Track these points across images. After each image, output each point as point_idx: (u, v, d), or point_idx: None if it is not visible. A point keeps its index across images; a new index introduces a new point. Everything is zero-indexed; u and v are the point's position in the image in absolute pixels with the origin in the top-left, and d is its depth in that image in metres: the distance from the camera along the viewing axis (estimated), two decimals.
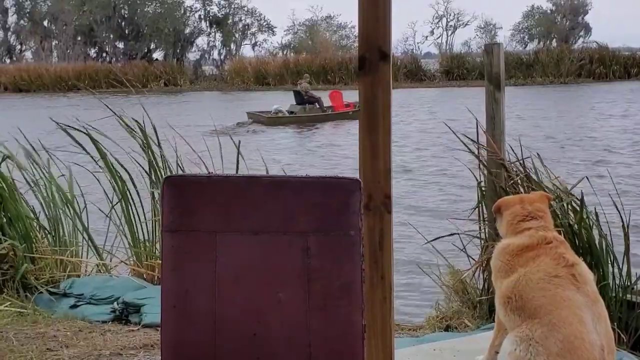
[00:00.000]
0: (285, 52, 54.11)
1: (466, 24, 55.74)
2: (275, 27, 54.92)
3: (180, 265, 1.87)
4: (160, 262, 1.91)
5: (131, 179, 5.63)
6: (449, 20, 54.91)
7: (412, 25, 66.12)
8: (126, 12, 50.61)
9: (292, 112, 23.66)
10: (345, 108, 23.48)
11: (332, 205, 1.84)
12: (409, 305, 6.05)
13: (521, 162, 4.92)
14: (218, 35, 51.62)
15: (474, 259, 5.04)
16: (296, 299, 1.82)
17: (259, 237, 1.86)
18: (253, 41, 53.41)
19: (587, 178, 4.90)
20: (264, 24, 53.92)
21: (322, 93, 25.54)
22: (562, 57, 41.36)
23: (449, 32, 54.74)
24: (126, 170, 5.64)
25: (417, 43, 56.08)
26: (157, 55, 51.28)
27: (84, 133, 5.65)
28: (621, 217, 4.55)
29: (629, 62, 41.88)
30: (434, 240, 5.14)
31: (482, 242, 5.03)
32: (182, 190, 1.90)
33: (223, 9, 52.21)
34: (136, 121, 5.65)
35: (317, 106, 23.74)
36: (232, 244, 1.86)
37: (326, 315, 1.81)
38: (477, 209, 5.13)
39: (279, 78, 44.98)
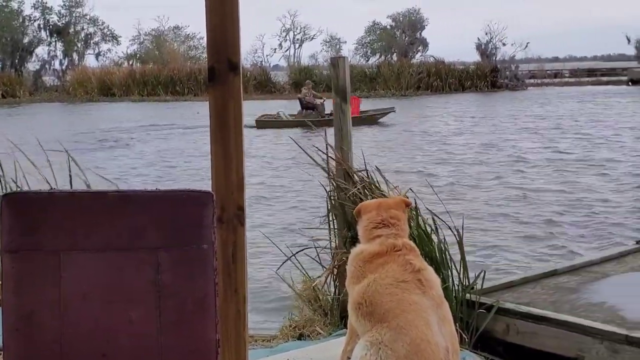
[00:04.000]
0: (131, 62, 52.74)
1: (312, 38, 57.10)
2: (120, 37, 53.29)
3: (22, 286, 1.76)
4: (1, 283, 1.79)
5: None
6: (296, 33, 55.99)
7: (260, 38, 66.49)
8: None
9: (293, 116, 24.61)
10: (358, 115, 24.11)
11: (184, 219, 1.81)
12: (263, 316, 6.06)
13: (365, 171, 5.09)
14: (59, 45, 49.51)
15: (326, 267, 5.14)
16: (148, 317, 1.77)
17: (106, 255, 1.79)
18: (96, 51, 51.72)
19: (412, 189, 5.14)
20: (108, 33, 52.36)
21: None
22: (402, 71, 43.31)
23: (297, 45, 55.80)
24: None
25: (266, 55, 56.65)
26: None
27: None
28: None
29: (463, 75, 44.51)
30: (293, 255, 5.22)
31: (332, 250, 5.15)
32: (22, 208, 1.79)
33: (64, 17, 50.14)
34: None
35: (316, 111, 24.48)
36: (77, 262, 1.77)
37: (179, 332, 1.78)
38: (327, 218, 5.25)
39: (125, 88, 43.88)
